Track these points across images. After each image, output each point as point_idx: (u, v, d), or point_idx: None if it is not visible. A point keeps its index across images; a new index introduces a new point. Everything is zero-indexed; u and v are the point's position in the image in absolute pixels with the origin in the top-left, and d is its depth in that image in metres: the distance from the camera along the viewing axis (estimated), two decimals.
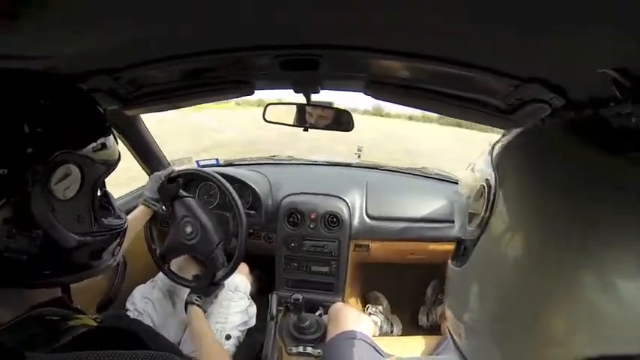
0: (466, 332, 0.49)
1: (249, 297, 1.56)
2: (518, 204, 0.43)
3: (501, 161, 0.48)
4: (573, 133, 0.44)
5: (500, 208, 0.43)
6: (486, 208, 0.45)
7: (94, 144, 0.57)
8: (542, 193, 0.41)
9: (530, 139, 0.50)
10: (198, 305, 1.28)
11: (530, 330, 0.39)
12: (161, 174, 1.40)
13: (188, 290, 1.46)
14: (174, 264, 1.51)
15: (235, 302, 1.47)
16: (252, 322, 1.50)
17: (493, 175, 0.46)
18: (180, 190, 1.45)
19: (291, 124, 1.24)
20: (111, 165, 0.60)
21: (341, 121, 1.21)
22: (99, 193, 0.61)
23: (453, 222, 1.80)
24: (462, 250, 0.52)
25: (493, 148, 0.52)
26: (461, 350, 0.50)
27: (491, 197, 0.45)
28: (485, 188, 0.46)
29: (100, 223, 0.60)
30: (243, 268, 1.64)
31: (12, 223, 0.49)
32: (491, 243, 0.44)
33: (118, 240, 0.65)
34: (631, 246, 0.33)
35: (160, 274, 1.50)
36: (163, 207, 1.42)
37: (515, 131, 0.52)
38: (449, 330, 0.54)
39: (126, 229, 0.67)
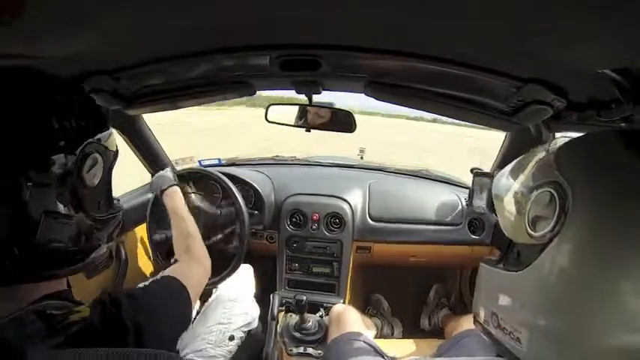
0: (531, 336, 0.48)
1: (253, 298, 1.56)
2: (596, 210, 0.44)
3: (568, 166, 0.49)
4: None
5: (576, 213, 0.44)
6: (560, 213, 0.45)
7: (106, 132, 0.61)
8: (619, 199, 0.43)
9: (597, 144, 0.50)
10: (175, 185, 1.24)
11: (610, 321, 0.41)
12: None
13: None
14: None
15: (239, 304, 1.47)
16: (255, 324, 1.50)
17: (562, 180, 0.47)
18: (185, 186, 1.45)
19: (293, 124, 1.24)
20: (117, 153, 0.64)
21: (343, 121, 1.21)
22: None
23: (455, 225, 1.80)
24: (517, 254, 0.54)
25: (549, 151, 0.53)
26: (518, 356, 0.50)
27: (566, 203, 0.45)
28: (555, 193, 0.47)
29: (112, 205, 0.64)
30: (248, 269, 1.64)
31: (52, 216, 0.51)
32: (566, 248, 0.45)
33: (117, 227, 0.68)
34: None
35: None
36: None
37: (576, 135, 0.53)
38: (493, 335, 0.54)
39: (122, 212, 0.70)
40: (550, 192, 0.48)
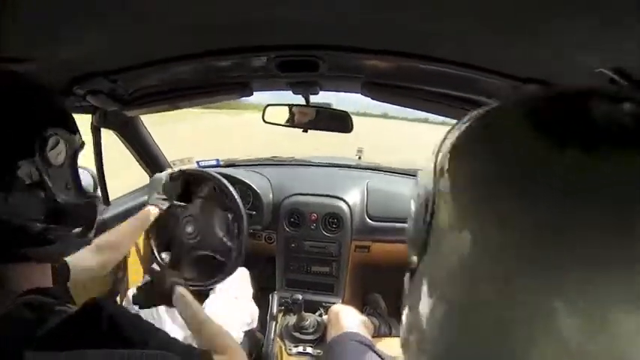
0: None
1: (251, 299, 1.56)
2: (456, 235, 0.30)
3: (442, 174, 0.33)
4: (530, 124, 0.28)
5: (435, 236, 0.32)
6: (425, 230, 0.33)
7: (69, 127, 0.64)
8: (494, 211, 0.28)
9: (479, 134, 0.33)
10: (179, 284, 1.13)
11: None
12: (162, 175, 1.41)
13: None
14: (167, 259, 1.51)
15: (238, 304, 1.47)
16: (255, 324, 1.50)
17: (432, 196, 0.33)
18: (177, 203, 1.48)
19: (290, 125, 1.24)
20: (83, 144, 0.67)
21: (340, 122, 1.21)
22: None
23: None
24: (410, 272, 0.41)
25: (437, 152, 0.35)
26: None
27: (428, 221, 0.33)
28: (424, 210, 0.34)
29: (83, 193, 0.66)
30: (244, 272, 1.64)
31: (16, 191, 0.54)
32: (427, 276, 0.34)
33: (92, 215, 0.69)
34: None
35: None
36: (175, 202, 1.43)
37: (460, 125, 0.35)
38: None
39: (98, 203, 0.71)
40: (423, 203, 0.35)
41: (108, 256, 1.06)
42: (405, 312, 0.39)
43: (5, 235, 0.54)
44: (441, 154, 0.34)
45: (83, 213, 0.65)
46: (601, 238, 0.23)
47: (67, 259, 0.83)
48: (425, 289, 0.33)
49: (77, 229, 0.64)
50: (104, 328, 0.55)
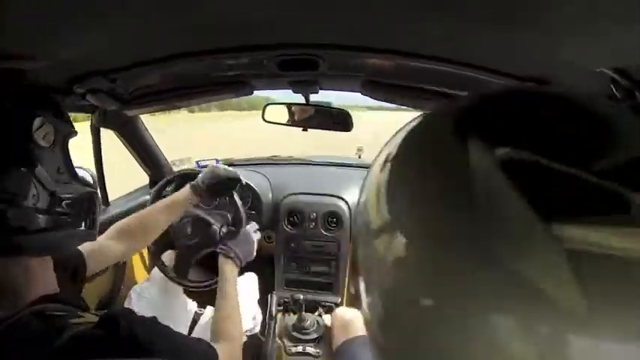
0: None
1: (257, 303, 1.56)
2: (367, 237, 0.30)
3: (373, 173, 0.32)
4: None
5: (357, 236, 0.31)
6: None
7: (54, 107, 0.65)
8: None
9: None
10: (223, 254, 1.15)
11: None
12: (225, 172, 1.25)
13: (181, 289, 1.49)
14: (169, 261, 1.51)
15: (244, 308, 1.46)
16: (258, 329, 1.50)
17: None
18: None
19: (290, 124, 1.24)
20: (74, 131, 0.67)
21: (340, 120, 1.21)
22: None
23: None
24: None
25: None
26: None
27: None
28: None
29: (77, 179, 0.66)
30: (253, 276, 1.63)
31: (3, 172, 0.54)
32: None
33: (91, 207, 0.68)
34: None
35: (154, 272, 1.50)
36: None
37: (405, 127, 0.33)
38: None
39: (98, 196, 0.70)
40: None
41: (128, 244, 0.99)
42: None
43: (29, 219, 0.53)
44: (383, 156, 0.32)
45: (78, 201, 0.64)
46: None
47: (82, 248, 0.80)
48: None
49: (74, 219, 0.63)
50: (123, 337, 0.54)
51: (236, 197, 1.39)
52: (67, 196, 0.61)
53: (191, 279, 1.44)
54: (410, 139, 0.30)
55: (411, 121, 0.32)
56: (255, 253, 1.25)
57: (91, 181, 1.19)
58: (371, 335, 0.32)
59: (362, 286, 0.31)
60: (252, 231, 1.28)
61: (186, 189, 1.15)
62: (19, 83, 0.61)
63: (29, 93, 0.64)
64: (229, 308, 1.01)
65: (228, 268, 1.13)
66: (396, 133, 0.33)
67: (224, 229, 1.39)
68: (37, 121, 0.59)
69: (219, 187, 1.20)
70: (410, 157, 0.29)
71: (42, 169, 0.57)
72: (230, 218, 1.47)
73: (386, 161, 0.30)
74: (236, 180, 1.25)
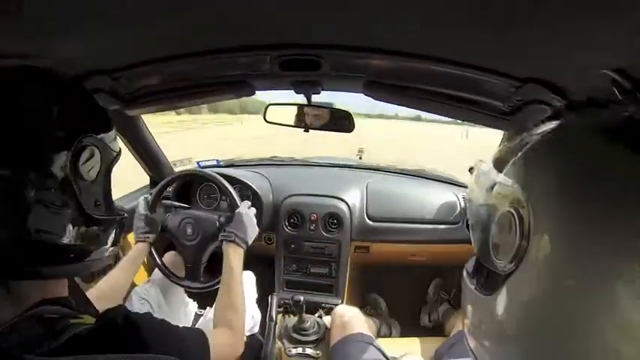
0: (492, 349, 0.43)
1: (255, 303, 1.56)
2: (560, 231, 0.35)
3: (530, 177, 0.39)
4: (604, 135, 0.36)
5: (540, 237, 0.36)
6: (521, 239, 0.37)
7: (109, 132, 0.60)
8: (585, 212, 0.33)
9: (560, 146, 0.40)
10: (226, 239, 1.20)
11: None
12: (140, 209, 1.38)
13: (182, 290, 1.49)
14: (169, 261, 1.51)
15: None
16: (257, 329, 1.50)
17: (523, 198, 0.38)
18: (168, 201, 1.48)
19: (292, 124, 1.24)
20: (118, 153, 0.64)
21: (341, 121, 1.21)
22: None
23: (454, 223, 1.78)
24: (485, 275, 0.45)
25: (513, 160, 0.42)
26: None
27: (527, 227, 0.36)
28: (515, 216, 0.38)
29: (111, 208, 0.63)
30: (250, 276, 1.64)
31: (44, 204, 0.51)
32: (533, 275, 0.36)
33: (120, 232, 0.66)
34: None
35: (154, 274, 1.50)
36: (174, 203, 1.45)
37: (535, 137, 0.42)
38: (472, 351, 0.47)
39: (125, 219, 0.68)
40: (510, 213, 0.39)
41: (107, 305, 1.01)
42: (483, 310, 0.44)
43: (25, 250, 0.50)
44: (519, 165, 0.41)
45: (111, 232, 0.62)
46: None
47: None
48: (525, 286, 0.37)
49: (103, 247, 0.61)
50: (122, 332, 0.54)
51: (236, 197, 1.39)
52: (102, 226, 0.59)
53: (202, 280, 1.44)
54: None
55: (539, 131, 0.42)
56: (257, 228, 1.29)
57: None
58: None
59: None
60: (247, 208, 1.30)
61: (135, 246, 1.30)
62: (65, 94, 0.56)
63: (80, 104, 0.58)
64: (233, 296, 1.03)
65: (232, 253, 1.15)
66: (523, 140, 0.42)
67: (222, 220, 1.39)
68: (85, 154, 0.55)
69: (153, 223, 1.36)
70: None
71: (82, 203, 0.55)
72: (232, 216, 1.47)
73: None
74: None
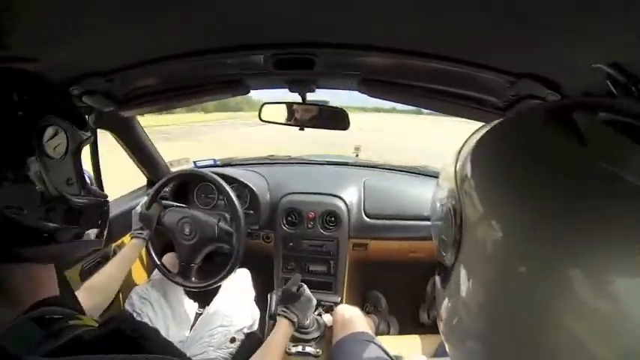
0: (456, 345, 0.44)
1: (253, 300, 1.56)
2: (487, 226, 0.34)
3: (466, 168, 0.40)
4: (554, 125, 0.36)
5: (472, 228, 0.36)
6: (455, 235, 0.37)
7: (75, 119, 0.62)
8: (525, 200, 0.33)
9: (501, 136, 0.40)
10: (285, 316, 1.16)
11: (524, 343, 0.33)
12: (137, 207, 1.42)
13: (182, 290, 1.50)
14: (169, 264, 1.51)
15: (240, 306, 1.47)
16: (256, 326, 1.50)
17: (457, 196, 0.38)
18: (167, 201, 1.50)
19: (287, 123, 1.23)
20: (89, 137, 0.65)
21: (337, 119, 1.21)
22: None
23: None
24: (443, 270, 0.46)
25: (457, 157, 0.43)
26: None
27: (458, 221, 0.37)
28: (452, 209, 0.38)
29: (87, 188, 0.64)
30: (246, 273, 1.64)
31: (11, 182, 0.52)
32: (467, 269, 0.37)
33: (102, 216, 0.67)
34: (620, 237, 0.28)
35: (155, 274, 1.50)
36: (170, 202, 1.47)
37: (477, 133, 0.43)
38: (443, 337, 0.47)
39: (108, 204, 0.69)
40: (449, 206, 0.39)
41: (99, 299, 1.04)
42: (444, 305, 0.44)
43: (4, 231, 0.51)
44: (462, 159, 0.40)
45: (89, 212, 0.63)
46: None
47: None
48: (464, 279, 0.37)
49: (83, 229, 0.62)
50: (123, 336, 0.52)
51: (233, 196, 1.39)
52: (78, 206, 0.60)
53: (194, 280, 1.44)
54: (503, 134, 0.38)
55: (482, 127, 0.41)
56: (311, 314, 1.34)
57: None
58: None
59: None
60: (310, 292, 1.30)
61: (130, 242, 1.33)
62: (27, 83, 0.58)
63: (43, 93, 0.60)
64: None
65: (284, 329, 1.13)
66: (472, 135, 0.42)
67: (221, 225, 1.39)
68: (49, 131, 0.56)
69: (148, 219, 1.40)
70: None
71: (50, 180, 0.56)
72: (228, 218, 1.47)
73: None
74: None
